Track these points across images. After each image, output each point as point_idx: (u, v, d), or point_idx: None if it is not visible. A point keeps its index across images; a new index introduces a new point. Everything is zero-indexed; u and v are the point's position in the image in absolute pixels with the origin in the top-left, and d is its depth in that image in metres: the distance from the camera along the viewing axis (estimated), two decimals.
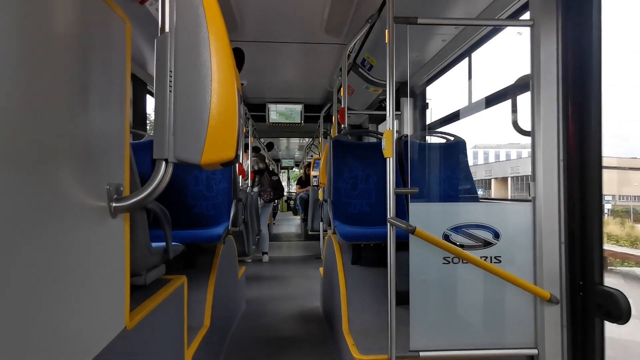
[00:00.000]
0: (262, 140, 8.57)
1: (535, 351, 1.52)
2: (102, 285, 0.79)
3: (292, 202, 12.15)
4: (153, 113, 0.81)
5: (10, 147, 0.52)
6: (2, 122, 0.50)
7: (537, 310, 1.52)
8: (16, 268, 0.53)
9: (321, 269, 3.33)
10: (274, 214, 10.55)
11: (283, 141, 10.23)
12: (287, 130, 7.09)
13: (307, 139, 9.12)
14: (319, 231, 5.35)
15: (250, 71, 3.95)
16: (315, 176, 6.66)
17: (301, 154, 12.49)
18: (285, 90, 4.85)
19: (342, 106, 3.02)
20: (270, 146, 9.04)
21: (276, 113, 5.15)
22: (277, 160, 15.03)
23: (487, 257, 1.55)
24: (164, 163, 0.80)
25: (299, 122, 5.15)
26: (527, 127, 1.62)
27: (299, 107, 5.11)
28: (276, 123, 5.17)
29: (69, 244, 0.66)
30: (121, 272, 0.88)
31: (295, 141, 10.09)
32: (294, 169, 15.50)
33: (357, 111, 4.34)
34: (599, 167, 1.41)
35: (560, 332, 1.48)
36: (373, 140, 3.92)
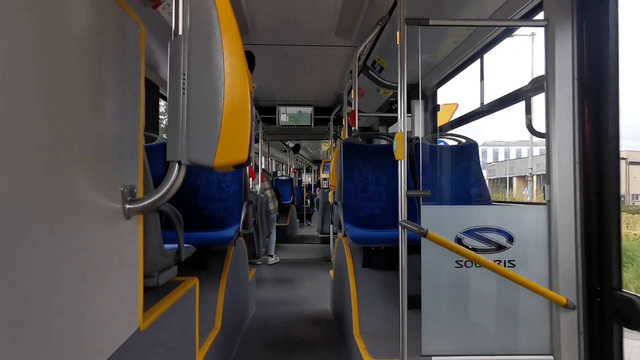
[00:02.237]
0: (289, 143, 8.61)
1: (550, 358, 1.49)
2: (116, 287, 0.80)
3: None
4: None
5: (26, 149, 0.53)
6: (18, 125, 0.51)
7: (553, 316, 1.49)
8: (32, 269, 0.53)
9: (331, 272, 3.31)
10: (309, 216, 10.58)
11: (327, 143, 10.25)
12: (298, 132, 7.09)
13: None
14: (329, 234, 5.34)
15: (260, 74, 3.97)
16: (325, 179, 6.66)
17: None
18: (296, 93, 4.86)
19: (353, 108, 3.01)
20: (297, 148, 9.09)
21: (286, 116, 5.16)
22: (319, 162, 15.07)
23: (500, 261, 1.52)
24: (177, 165, 0.80)
25: (309, 124, 5.16)
26: (541, 128, 1.59)
27: (309, 110, 5.11)
28: (286, 125, 5.18)
29: (83, 245, 0.67)
30: (135, 273, 0.89)
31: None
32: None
33: (367, 113, 4.32)
34: (617, 170, 1.38)
35: (577, 338, 1.45)
36: (383, 142, 3.91)
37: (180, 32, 0.78)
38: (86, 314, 0.67)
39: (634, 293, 1.29)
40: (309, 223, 10.30)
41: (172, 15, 0.81)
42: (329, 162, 5.25)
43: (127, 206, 0.83)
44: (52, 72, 0.59)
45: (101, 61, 0.74)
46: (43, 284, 0.55)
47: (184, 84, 0.77)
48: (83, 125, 0.67)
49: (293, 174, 11.23)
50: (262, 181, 5.40)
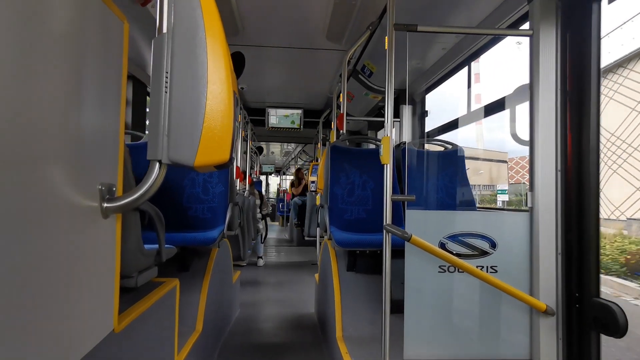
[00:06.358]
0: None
1: None
2: (90, 287, 0.77)
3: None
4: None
5: (1, 145, 0.51)
6: None
7: (533, 322, 1.51)
8: (3, 268, 0.51)
9: (316, 275, 3.30)
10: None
11: (272, 146, 10.27)
12: (286, 135, 7.10)
13: (292, 145, 9.31)
14: (316, 237, 5.34)
15: (250, 75, 3.96)
16: (312, 182, 6.67)
17: (284, 160, 12.49)
18: (286, 95, 4.86)
19: (341, 112, 3.02)
20: (260, 150, 9.13)
21: (276, 117, 5.15)
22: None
23: (483, 267, 1.53)
24: (157, 164, 0.79)
25: (299, 127, 5.16)
26: (525, 136, 1.62)
27: (298, 112, 5.11)
28: (275, 127, 5.18)
29: (58, 243, 0.65)
30: (111, 273, 0.87)
31: (276, 146, 10.10)
32: (272, 175, 15.43)
33: (356, 117, 4.34)
34: (597, 178, 1.41)
35: (555, 344, 1.47)
36: (372, 146, 3.93)
37: (164, 30, 0.77)
38: (58, 313, 0.65)
39: (611, 300, 1.32)
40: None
41: (155, 14, 0.80)
42: (317, 164, 5.25)
43: (105, 205, 0.81)
44: (29, 66, 0.57)
45: (81, 57, 0.72)
46: (14, 282, 0.54)
47: (166, 82, 0.76)
48: (60, 120, 0.65)
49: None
50: (249, 183, 5.40)
